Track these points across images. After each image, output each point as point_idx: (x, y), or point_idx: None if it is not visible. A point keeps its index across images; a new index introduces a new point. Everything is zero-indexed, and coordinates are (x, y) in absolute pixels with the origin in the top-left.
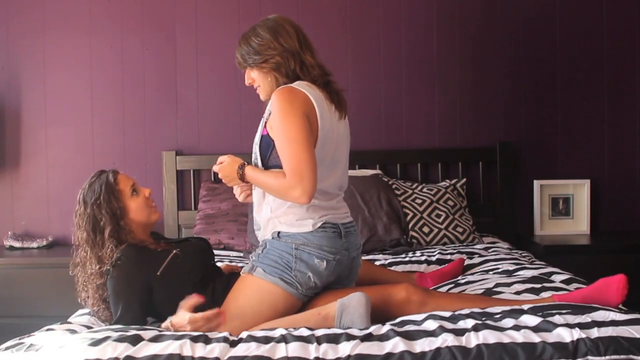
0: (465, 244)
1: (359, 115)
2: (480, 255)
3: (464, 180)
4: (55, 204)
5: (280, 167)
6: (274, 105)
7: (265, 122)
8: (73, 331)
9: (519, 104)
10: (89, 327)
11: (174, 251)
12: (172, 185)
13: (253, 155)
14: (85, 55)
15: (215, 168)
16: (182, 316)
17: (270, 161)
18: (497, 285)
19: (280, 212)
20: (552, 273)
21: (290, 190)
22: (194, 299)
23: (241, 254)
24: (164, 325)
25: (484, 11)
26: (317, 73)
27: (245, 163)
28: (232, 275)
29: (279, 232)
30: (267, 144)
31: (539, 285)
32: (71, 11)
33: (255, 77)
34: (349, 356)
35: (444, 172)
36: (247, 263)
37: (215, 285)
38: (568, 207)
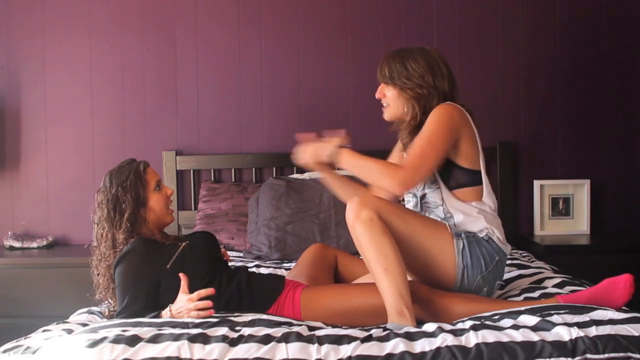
0: None
1: (359, 116)
2: None
3: None
4: (55, 204)
5: (462, 186)
6: (433, 114)
7: None
8: (70, 330)
9: (518, 104)
10: (86, 325)
11: (183, 244)
12: (172, 185)
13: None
14: (85, 55)
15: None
16: (182, 299)
17: (450, 182)
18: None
19: (494, 223)
20: (544, 279)
21: (395, 175)
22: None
23: (241, 254)
24: (163, 312)
25: (483, 11)
26: None
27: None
28: (238, 269)
29: (489, 238)
30: (444, 167)
31: (536, 295)
32: (71, 11)
33: (389, 96)
34: (350, 357)
35: None
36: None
37: (222, 277)
38: (568, 207)
